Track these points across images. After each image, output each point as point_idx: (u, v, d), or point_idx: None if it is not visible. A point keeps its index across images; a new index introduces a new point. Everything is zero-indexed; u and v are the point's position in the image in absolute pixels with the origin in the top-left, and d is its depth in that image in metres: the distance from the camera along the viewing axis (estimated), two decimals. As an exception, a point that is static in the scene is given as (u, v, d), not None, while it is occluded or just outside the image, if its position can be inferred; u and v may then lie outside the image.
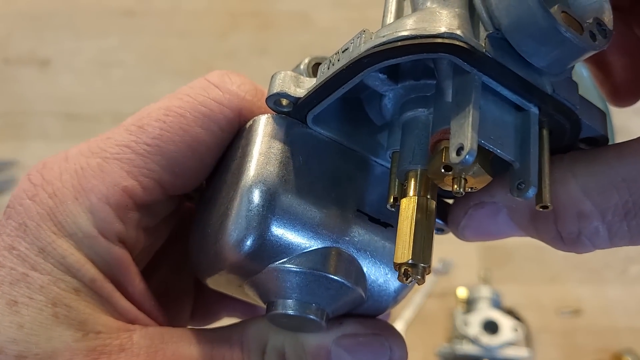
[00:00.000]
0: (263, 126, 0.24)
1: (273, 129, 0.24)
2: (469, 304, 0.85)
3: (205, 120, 0.24)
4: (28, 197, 0.22)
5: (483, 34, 0.21)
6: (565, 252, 0.23)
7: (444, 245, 0.95)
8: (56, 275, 0.21)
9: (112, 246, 0.22)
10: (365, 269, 0.24)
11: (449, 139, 0.21)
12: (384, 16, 0.24)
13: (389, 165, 0.25)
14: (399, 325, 0.87)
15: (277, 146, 0.23)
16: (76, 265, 0.21)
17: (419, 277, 0.21)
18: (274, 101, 0.24)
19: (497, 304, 0.84)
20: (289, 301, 0.23)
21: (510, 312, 0.83)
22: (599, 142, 0.24)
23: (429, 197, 0.23)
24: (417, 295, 0.90)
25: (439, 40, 0.20)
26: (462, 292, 0.88)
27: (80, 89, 1.02)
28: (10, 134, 0.98)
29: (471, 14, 0.21)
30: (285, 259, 0.23)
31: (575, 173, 0.21)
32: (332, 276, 0.23)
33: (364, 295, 0.24)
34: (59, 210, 0.21)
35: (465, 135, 0.20)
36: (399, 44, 0.20)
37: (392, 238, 0.25)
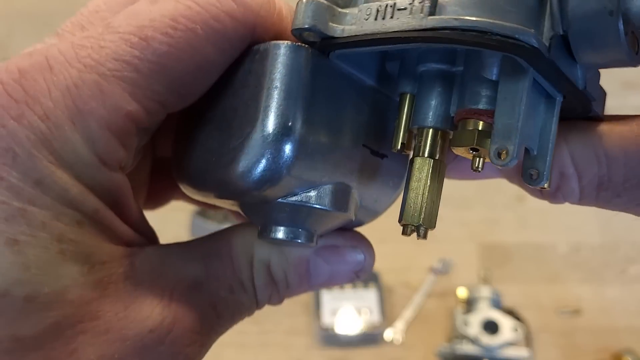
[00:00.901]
0: (283, 56, 0.22)
1: (293, 60, 0.22)
2: (469, 304, 0.85)
3: (217, 37, 0.21)
4: (12, 117, 0.18)
5: (548, 32, 0.20)
6: (539, 199, 0.25)
7: (444, 245, 0.96)
8: (58, 209, 0.19)
9: (114, 174, 0.21)
10: (359, 198, 0.25)
11: (478, 119, 0.21)
12: None
13: (392, 96, 0.25)
14: (399, 325, 0.87)
15: (297, 79, 0.22)
16: (78, 198, 0.19)
17: (420, 237, 0.22)
18: (301, 33, 0.22)
19: (497, 304, 0.84)
20: (283, 228, 0.23)
21: (510, 312, 0.83)
22: (593, 118, 0.24)
23: (443, 160, 0.23)
24: (417, 295, 0.90)
25: (514, 42, 0.19)
26: (462, 292, 0.88)
27: (81, 89, 1.03)
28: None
29: (539, 4, 0.20)
30: (293, 194, 0.23)
31: (568, 141, 0.23)
32: (334, 211, 0.23)
33: (353, 219, 0.25)
34: (55, 136, 0.19)
35: (512, 141, 0.20)
36: (473, 38, 0.19)
37: (388, 168, 0.25)
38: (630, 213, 0.24)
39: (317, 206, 0.23)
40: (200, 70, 0.21)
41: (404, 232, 0.23)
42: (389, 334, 0.86)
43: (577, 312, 0.89)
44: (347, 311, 0.87)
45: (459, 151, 0.22)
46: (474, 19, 0.19)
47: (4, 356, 0.18)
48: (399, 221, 0.23)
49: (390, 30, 0.21)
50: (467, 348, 0.78)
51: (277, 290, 0.25)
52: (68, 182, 0.19)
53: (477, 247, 0.96)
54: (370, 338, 0.86)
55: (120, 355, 0.21)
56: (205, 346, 0.23)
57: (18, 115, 0.18)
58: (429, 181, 0.22)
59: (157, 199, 0.32)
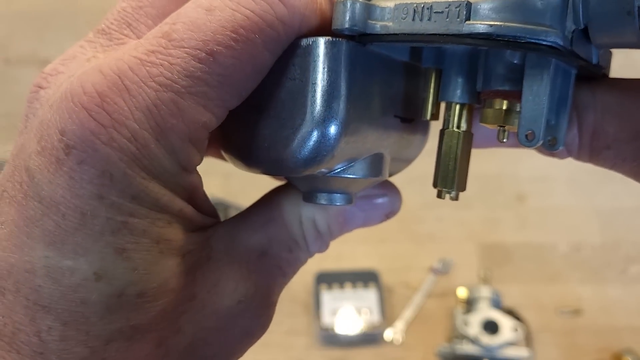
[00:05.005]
0: (323, 51, 0.23)
1: (333, 54, 0.23)
2: (469, 304, 0.85)
3: (273, 44, 0.23)
4: (103, 142, 0.20)
5: (570, 27, 0.22)
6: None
7: (444, 245, 0.96)
8: (153, 216, 0.22)
9: (192, 175, 0.23)
10: (392, 157, 0.27)
11: (504, 99, 0.24)
12: None
13: (419, 65, 0.27)
14: (399, 325, 0.87)
15: (337, 72, 0.23)
16: (167, 203, 0.22)
17: (453, 199, 0.25)
18: (341, 31, 0.24)
19: (497, 304, 0.84)
20: (325, 194, 0.26)
21: (510, 312, 0.83)
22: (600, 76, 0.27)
23: (470, 130, 0.25)
24: (417, 295, 0.90)
25: (544, 46, 0.21)
26: (462, 292, 0.88)
27: (81, 89, 1.03)
28: (11, 134, 0.98)
29: (563, 2, 0.22)
30: (335, 169, 0.25)
31: (574, 89, 0.25)
32: (370, 178, 0.26)
33: (387, 177, 0.28)
34: (143, 155, 0.21)
35: (538, 125, 0.23)
36: (507, 44, 0.21)
37: (413, 130, 0.28)
38: (617, 171, 0.26)
39: (356, 176, 0.26)
40: (257, 73, 0.23)
41: (439, 196, 0.26)
42: (389, 334, 0.86)
43: (578, 312, 0.89)
44: (347, 311, 0.87)
45: (487, 125, 0.25)
46: (507, 24, 0.21)
47: (125, 342, 0.22)
48: (434, 186, 0.26)
49: (429, 33, 0.23)
50: (467, 348, 0.78)
51: (323, 240, 0.28)
52: (158, 192, 0.22)
53: (477, 247, 0.96)
54: (370, 338, 0.86)
55: (216, 325, 0.24)
56: (276, 302, 0.27)
57: (108, 140, 0.20)
58: (459, 150, 0.25)
59: None
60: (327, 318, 0.86)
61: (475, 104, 0.26)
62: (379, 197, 0.29)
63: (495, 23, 0.21)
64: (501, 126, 0.24)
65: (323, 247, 0.28)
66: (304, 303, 0.89)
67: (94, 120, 0.21)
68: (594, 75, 0.25)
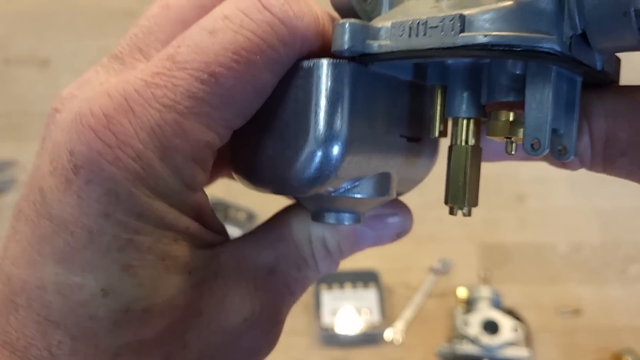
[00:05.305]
0: (325, 73, 0.24)
1: (335, 75, 0.24)
2: (469, 304, 0.85)
3: (274, 65, 0.23)
4: (109, 162, 0.21)
5: (567, 32, 0.22)
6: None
7: (444, 245, 0.96)
8: (159, 234, 0.22)
9: (197, 194, 0.24)
10: (399, 176, 0.27)
11: (509, 110, 0.24)
12: None
13: (424, 84, 0.27)
14: (399, 325, 0.87)
15: (339, 92, 0.24)
16: (173, 221, 0.23)
17: (466, 215, 0.25)
18: (341, 53, 0.24)
19: (497, 304, 0.84)
20: (333, 214, 0.26)
21: (510, 312, 0.83)
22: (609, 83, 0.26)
23: (478, 144, 0.25)
24: (417, 295, 0.90)
25: (542, 53, 0.21)
26: (462, 292, 0.88)
27: (81, 89, 1.03)
28: (10, 134, 0.98)
29: (558, 9, 0.22)
30: (341, 188, 0.25)
31: (583, 97, 0.25)
32: (377, 197, 0.26)
33: (394, 197, 0.28)
34: (148, 174, 0.22)
35: (543, 133, 0.22)
36: (502, 53, 0.21)
37: (421, 150, 0.28)
38: (633, 179, 0.25)
39: (362, 196, 0.26)
40: (260, 94, 0.24)
41: (451, 212, 0.25)
42: (389, 334, 0.86)
43: (577, 312, 0.89)
44: (347, 311, 0.87)
45: (494, 137, 0.25)
46: (501, 34, 0.21)
47: (132, 356, 0.22)
48: (445, 203, 0.25)
49: (425, 48, 0.23)
50: (467, 348, 0.78)
51: (333, 259, 0.28)
52: (164, 210, 0.22)
53: (477, 247, 0.96)
54: (370, 338, 0.86)
55: (222, 342, 0.24)
56: (284, 321, 0.27)
57: (114, 160, 0.21)
58: (468, 166, 0.25)
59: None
60: (327, 318, 0.86)
61: (482, 117, 0.25)
62: (390, 217, 0.29)
63: (490, 33, 0.21)
64: (508, 138, 0.24)
65: (332, 266, 0.28)
66: (304, 303, 0.89)
67: (100, 140, 0.21)
68: (601, 82, 0.25)
